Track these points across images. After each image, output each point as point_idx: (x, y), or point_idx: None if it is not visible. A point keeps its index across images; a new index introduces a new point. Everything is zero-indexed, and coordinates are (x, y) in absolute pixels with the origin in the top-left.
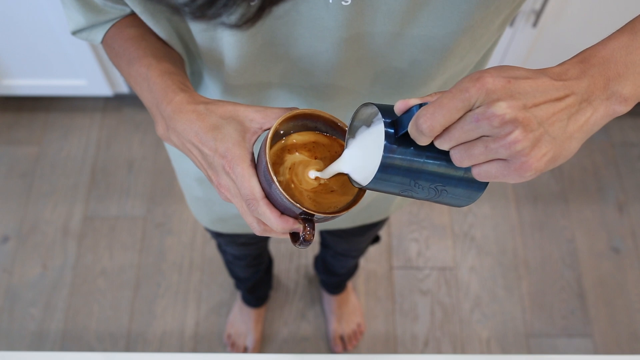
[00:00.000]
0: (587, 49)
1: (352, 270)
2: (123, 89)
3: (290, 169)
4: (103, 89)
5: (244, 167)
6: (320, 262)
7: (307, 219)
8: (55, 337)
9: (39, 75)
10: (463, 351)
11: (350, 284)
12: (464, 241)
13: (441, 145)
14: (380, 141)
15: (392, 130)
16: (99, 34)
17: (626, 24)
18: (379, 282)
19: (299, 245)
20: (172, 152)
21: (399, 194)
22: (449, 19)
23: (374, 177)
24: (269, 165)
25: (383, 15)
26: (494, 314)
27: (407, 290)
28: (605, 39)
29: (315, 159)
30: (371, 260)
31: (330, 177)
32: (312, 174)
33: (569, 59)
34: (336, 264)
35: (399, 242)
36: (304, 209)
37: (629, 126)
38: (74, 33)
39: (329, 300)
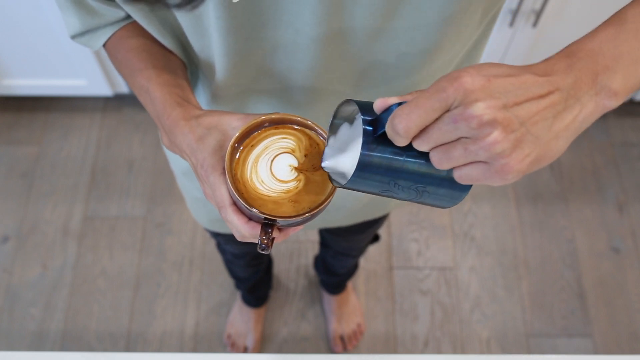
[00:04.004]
0: (573, 42)
1: (352, 270)
2: (123, 89)
3: (261, 171)
4: (103, 89)
5: (215, 175)
6: (320, 262)
7: (267, 224)
8: (55, 337)
9: (39, 75)
10: (463, 351)
11: (350, 284)
12: (464, 241)
13: (419, 146)
14: (359, 139)
15: (371, 129)
16: (98, 40)
17: (613, 15)
18: (379, 282)
19: (259, 250)
20: (166, 149)
21: (378, 194)
22: (430, 9)
23: (352, 176)
24: (226, 173)
25: (363, 9)
26: (494, 314)
27: (407, 290)
28: (592, 32)
29: (306, 156)
30: (371, 260)
31: (310, 176)
32: (288, 170)
33: (555, 54)
34: (336, 263)
35: (399, 242)
36: (263, 214)
37: (629, 126)
38: (73, 37)
39: (329, 300)
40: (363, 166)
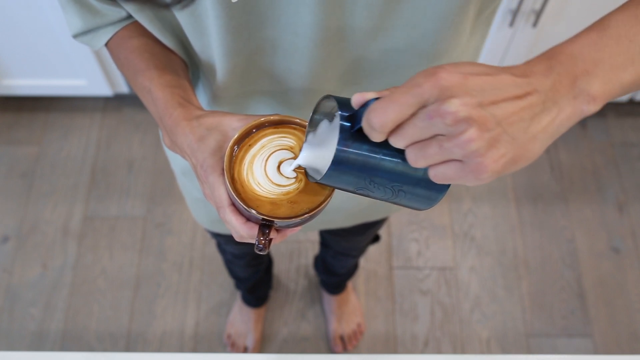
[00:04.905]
0: (555, 45)
1: (352, 270)
2: (123, 89)
3: (258, 172)
4: (103, 89)
5: (214, 176)
6: (320, 262)
7: (265, 225)
8: (55, 337)
9: (39, 75)
10: (463, 351)
11: (350, 284)
12: (464, 241)
13: (395, 142)
14: (336, 135)
15: (349, 124)
16: (100, 40)
17: (597, 21)
18: (379, 282)
19: (256, 250)
20: (166, 149)
21: (354, 192)
22: (428, 8)
23: (327, 171)
24: (224, 173)
25: (361, 8)
26: (494, 314)
27: (407, 290)
28: (574, 36)
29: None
30: (371, 260)
31: (305, 177)
32: (287, 171)
33: (537, 56)
34: (336, 263)
35: (399, 242)
36: (260, 215)
37: (629, 126)
38: (75, 37)
39: (329, 300)
40: (338, 162)
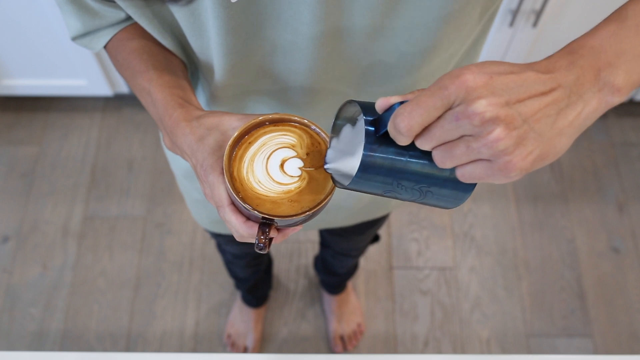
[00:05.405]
0: (575, 40)
1: (352, 270)
2: (123, 89)
3: (258, 170)
4: (103, 89)
5: (214, 175)
6: (320, 262)
7: (265, 224)
8: (55, 337)
9: (39, 75)
10: (463, 351)
11: (350, 284)
12: (464, 241)
13: (422, 145)
14: (361, 140)
15: (373, 129)
16: (99, 42)
17: (614, 12)
18: (379, 282)
19: (257, 249)
20: (167, 151)
21: (382, 195)
22: (428, 8)
23: (354, 177)
24: (224, 172)
25: (362, 8)
26: (494, 314)
27: (407, 290)
28: (593, 29)
29: (308, 155)
30: (371, 260)
31: (312, 175)
32: (290, 169)
33: (557, 51)
34: (336, 263)
35: (399, 242)
36: (261, 213)
37: (629, 126)
38: (74, 39)
39: (329, 300)
40: (365, 167)
